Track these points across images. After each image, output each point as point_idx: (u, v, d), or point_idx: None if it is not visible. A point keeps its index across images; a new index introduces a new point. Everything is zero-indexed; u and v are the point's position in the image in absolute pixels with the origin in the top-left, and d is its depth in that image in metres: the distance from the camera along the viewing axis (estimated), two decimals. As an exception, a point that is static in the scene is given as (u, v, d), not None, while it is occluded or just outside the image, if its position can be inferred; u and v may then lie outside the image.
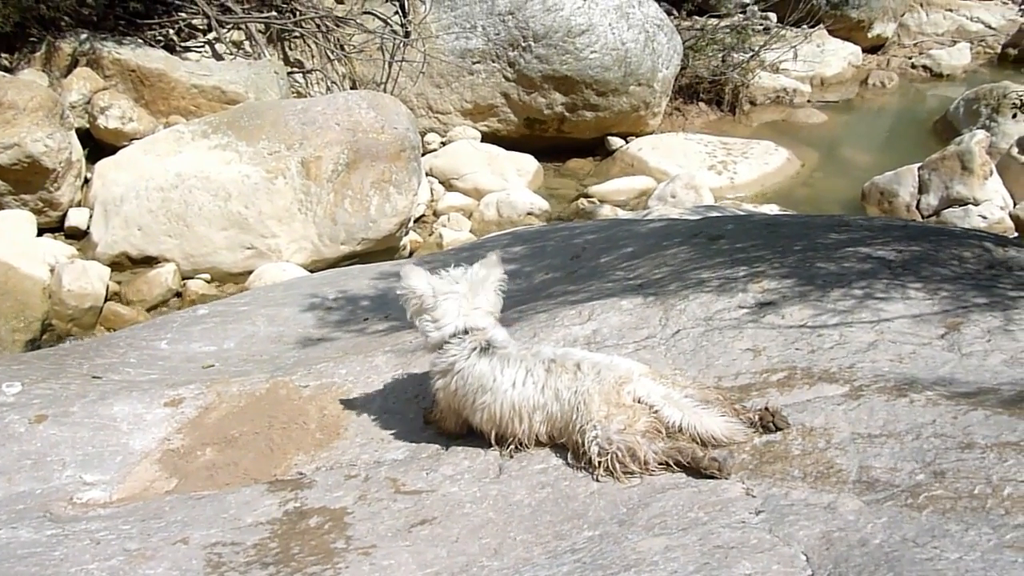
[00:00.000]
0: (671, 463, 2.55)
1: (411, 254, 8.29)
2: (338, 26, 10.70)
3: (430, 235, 9.08)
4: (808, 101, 13.41)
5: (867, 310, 3.22)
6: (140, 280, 7.45)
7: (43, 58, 9.25)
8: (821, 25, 14.28)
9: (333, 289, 5.24)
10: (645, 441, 2.56)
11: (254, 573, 2.46)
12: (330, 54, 10.58)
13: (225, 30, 10.27)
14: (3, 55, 9.49)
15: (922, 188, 9.17)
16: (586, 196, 10.04)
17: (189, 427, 3.39)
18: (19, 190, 7.70)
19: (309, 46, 10.62)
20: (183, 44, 10.22)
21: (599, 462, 2.59)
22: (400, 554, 2.46)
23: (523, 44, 10.56)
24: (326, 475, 3.02)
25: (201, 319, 4.82)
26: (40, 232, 7.71)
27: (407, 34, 10.64)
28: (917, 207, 9.15)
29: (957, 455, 2.35)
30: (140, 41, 9.61)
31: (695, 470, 2.52)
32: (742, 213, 6.89)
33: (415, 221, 8.95)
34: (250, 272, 7.59)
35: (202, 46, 10.31)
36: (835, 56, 14.59)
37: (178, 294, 7.49)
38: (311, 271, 7.34)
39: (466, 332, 2.88)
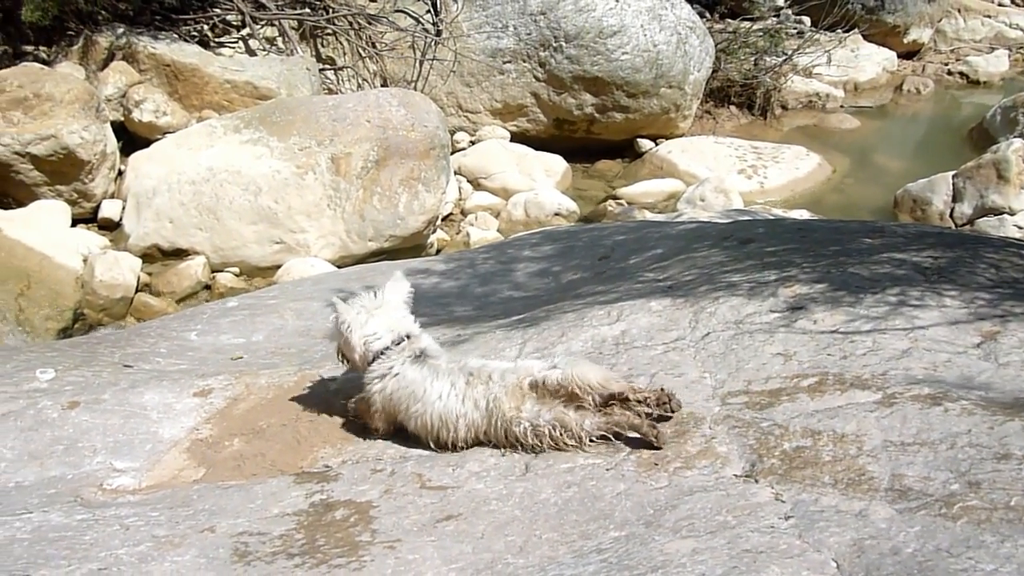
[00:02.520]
0: (611, 435, 2.78)
1: (438, 252, 8.31)
2: (370, 24, 10.76)
3: (457, 233, 9.10)
4: (841, 106, 13.29)
5: (901, 317, 3.18)
6: (170, 272, 7.53)
7: (80, 52, 9.38)
8: (856, 30, 14.15)
9: (360, 285, 5.22)
10: (576, 415, 2.78)
11: (280, 563, 2.47)
12: (362, 51, 10.63)
13: (259, 26, 10.36)
14: (41, 48, 9.64)
15: (956, 196, 9.05)
16: (614, 198, 10.01)
17: (217, 417, 3.41)
18: (54, 181, 7.81)
19: (341, 43, 10.68)
20: (217, 40, 10.33)
21: (540, 444, 2.82)
22: (425, 549, 2.46)
23: (554, 44, 10.55)
24: (352, 468, 3.03)
25: (230, 311, 4.86)
26: (74, 223, 7.82)
27: (438, 33, 10.66)
28: (951, 216, 9.03)
29: (993, 465, 2.31)
30: (175, 36, 9.72)
31: (638, 438, 2.74)
32: (773, 217, 6.83)
33: (443, 219, 8.98)
34: (278, 266, 7.65)
35: (236, 42, 10.42)
36: (870, 61, 14.44)
37: (207, 287, 7.57)
38: (338, 267, 7.38)
39: (401, 340, 3.15)
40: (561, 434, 2.79)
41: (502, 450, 2.91)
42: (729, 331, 3.32)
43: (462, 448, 2.98)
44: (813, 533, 2.15)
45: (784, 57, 12.70)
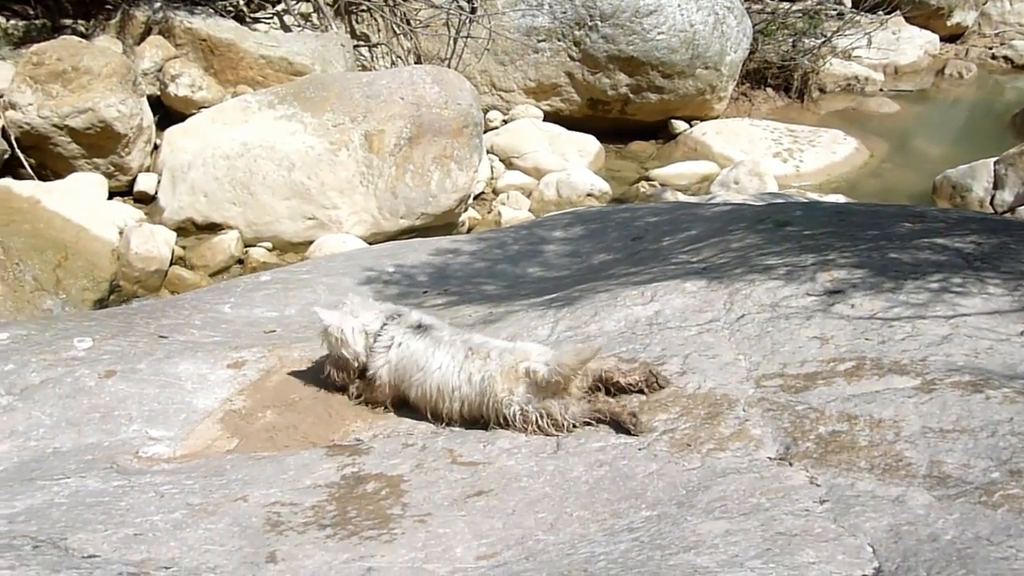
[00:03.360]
0: (593, 421, 2.87)
1: (469, 231, 8.29)
2: (405, 1, 10.71)
3: (488, 212, 9.07)
4: (880, 90, 13.02)
5: (942, 303, 3.12)
6: (204, 246, 7.59)
7: (118, 25, 9.44)
8: (898, 12, 13.82)
9: (392, 262, 5.26)
10: (559, 404, 2.87)
11: (312, 534, 2.49)
12: (396, 28, 10.60)
13: (294, 2, 10.36)
14: (80, 22, 9.72)
15: (997, 183, 8.85)
16: (647, 179, 9.92)
17: (251, 389, 3.44)
18: (91, 154, 7.89)
19: (376, 20, 10.66)
20: (252, 15, 10.35)
21: (527, 428, 2.91)
22: (456, 523, 2.47)
23: (589, 23, 10.44)
24: (383, 442, 3.04)
25: (264, 285, 4.89)
26: (110, 195, 7.88)
27: (473, 10, 10.60)
28: (991, 203, 8.84)
29: (1035, 454, 2.27)
30: (211, 11, 9.75)
31: (616, 423, 2.83)
32: (809, 200, 6.73)
33: (474, 198, 8.95)
34: (310, 242, 7.68)
35: (271, 17, 10.43)
36: (911, 44, 14.13)
37: (240, 261, 7.62)
38: (370, 243, 7.39)
39: (394, 316, 3.28)
40: (547, 422, 2.88)
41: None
42: (765, 314, 3.29)
43: (457, 423, 3.05)
44: (849, 518, 2.13)
45: (823, 39, 12.45)
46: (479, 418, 3.02)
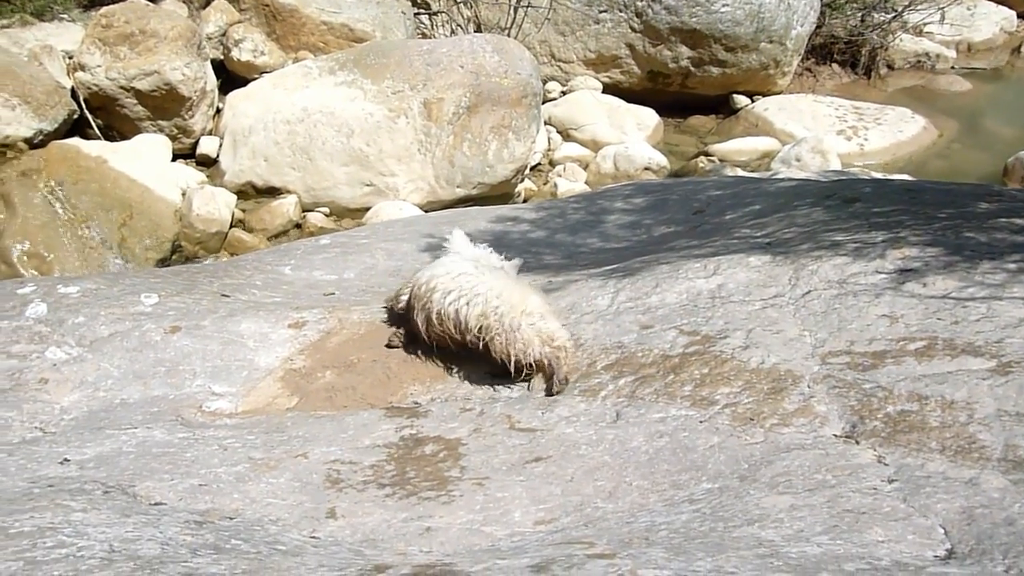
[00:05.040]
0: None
1: (525, 202, 8.26)
2: (466, -31, 10.64)
3: (545, 184, 9.02)
4: (952, 68, 12.58)
5: (1020, 284, 3.01)
6: (263, 209, 7.68)
7: (184, -11, 9.53)
8: (974, -14, 13.33)
9: (450, 229, 5.25)
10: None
11: (371, 492, 2.51)
12: (457, -4, 10.54)
13: (356, -32, 10.34)
14: (147, -15, 9.83)
15: (1074, 166, 8.53)
16: (706, 154, 9.75)
17: (311, 349, 3.48)
18: (156, 116, 8.02)
19: (436, -12, 10.60)
20: (315, -19, 10.34)
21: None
22: (514, 488, 2.47)
23: (653, -6, 10.26)
24: (441, 406, 3.06)
25: (323, 248, 4.93)
26: (174, 157, 8.02)
27: (535, -21, 10.48)
28: (1066, 186, 8.52)
29: (1118, 442, 2.19)
30: (274, -24, 9.78)
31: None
32: (878, 177, 6.56)
33: (530, 169, 8.90)
34: (367, 208, 7.72)
35: (333, -16, 10.43)
36: (986, 20, 13.61)
37: (298, 225, 7.70)
38: (425, 211, 7.41)
39: None
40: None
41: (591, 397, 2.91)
42: (832, 290, 3.21)
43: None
44: (919, 498, 2.08)
45: (894, 14, 12.05)
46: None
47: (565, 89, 10.60)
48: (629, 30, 10.49)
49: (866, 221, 3.81)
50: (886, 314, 3.01)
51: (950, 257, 3.27)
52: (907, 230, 3.57)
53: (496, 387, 3.13)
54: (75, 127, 7.84)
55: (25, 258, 6.60)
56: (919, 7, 12.24)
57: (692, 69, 10.58)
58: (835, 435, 2.47)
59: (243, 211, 7.72)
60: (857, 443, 2.40)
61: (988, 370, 2.59)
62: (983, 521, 1.95)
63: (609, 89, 10.61)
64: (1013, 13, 14.10)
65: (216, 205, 7.38)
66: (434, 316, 3.24)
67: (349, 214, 7.80)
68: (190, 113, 8.08)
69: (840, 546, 1.89)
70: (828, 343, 2.93)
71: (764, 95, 10.86)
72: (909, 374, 2.67)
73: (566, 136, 9.80)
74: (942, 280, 3.13)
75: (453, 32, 10.24)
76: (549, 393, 3.02)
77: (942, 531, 1.94)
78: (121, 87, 7.78)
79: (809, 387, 2.72)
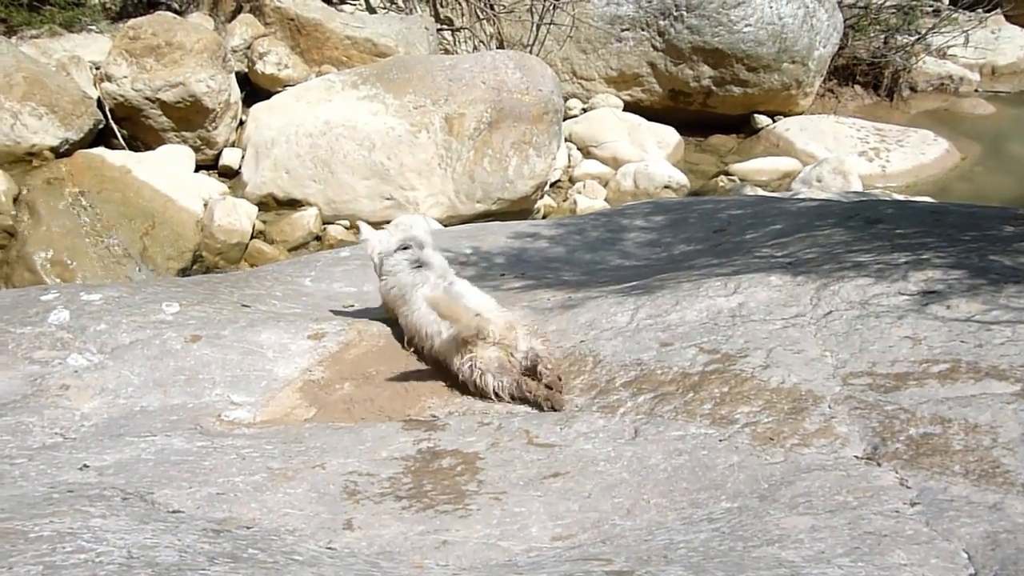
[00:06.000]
0: (516, 396, 3.07)
1: (544, 218, 8.27)
2: (489, -14, 10.73)
3: (564, 200, 9.04)
4: (975, 90, 12.54)
5: (1046, 308, 2.98)
6: (284, 221, 7.74)
7: (210, 2, 9.68)
8: (998, 10, 13.27)
9: (469, 244, 5.27)
10: (497, 374, 3.09)
11: (388, 504, 2.51)
12: (480, 13, 10.62)
13: (380, -16, 10.46)
14: (174, -2, 9.97)
15: (1099, 191, 8.45)
16: (726, 173, 9.75)
17: (330, 361, 3.49)
18: (180, 127, 8.12)
19: (459, 4, 10.69)
20: (340, -4, 10.47)
21: (467, 383, 3.15)
22: (531, 503, 2.46)
23: (675, 13, 10.30)
24: (459, 420, 3.05)
25: (343, 261, 4.96)
26: (197, 168, 8.11)
27: (557, -3, 10.55)
28: (1091, 211, 8.43)
29: None
30: (300, -9, 9.89)
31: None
32: (901, 199, 6.52)
33: (551, 186, 8.93)
34: (387, 222, 7.70)
35: (357, -1, 10.55)
36: (1011, 44, 13.57)
37: (318, 238, 7.75)
38: (445, 226, 7.43)
39: (407, 247, 3.59)
40: (483, 383, 3.11)
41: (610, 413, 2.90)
42: (854, 311, 3.19)
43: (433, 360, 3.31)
44: (942, 522, 2.05)
45: (917, 36, 12.04)
46: (448, 367, 3.23)
47: (586, 106, 10.65)
48: (651, 49, 10.53)
49: (889, 242, 3.78)
50: (909, 336, 2.99)
51: (974, 280, 3.24)
52: (930, 252, 3.55)
53: (514, 402, 3.12)
54: (100, 137, 7.96)
55: (48, 265, 6.68)
56: (943, 30, 12.22)
57: (714, 88, 10.60)
58: (856, 456, 2.45)
59: (264, 223, 7.78)
60: (879, 465, 2.37)
61: (1013, 394, 2.56)
62: (1008, 546, 1.92)
63: (630, 107, 10.65)
64: (1038, 37, 14.04)
65: (237, 216, 7.45)
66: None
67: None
68: (214, 125, 8.17)
69: (862, 568, 1.87)
70: (850, 364, 2.91)
71: (786, 115, 10.87)
72: (932, 396, 2.64)
73: (586, 153, 9.83)
74: (966, 303, 3.10)
75: (475, 48, 10.31)
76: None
77: (966, 556, 1.91)
78: (146, 98, 7.89)
79: (830, 407, 2.70)
